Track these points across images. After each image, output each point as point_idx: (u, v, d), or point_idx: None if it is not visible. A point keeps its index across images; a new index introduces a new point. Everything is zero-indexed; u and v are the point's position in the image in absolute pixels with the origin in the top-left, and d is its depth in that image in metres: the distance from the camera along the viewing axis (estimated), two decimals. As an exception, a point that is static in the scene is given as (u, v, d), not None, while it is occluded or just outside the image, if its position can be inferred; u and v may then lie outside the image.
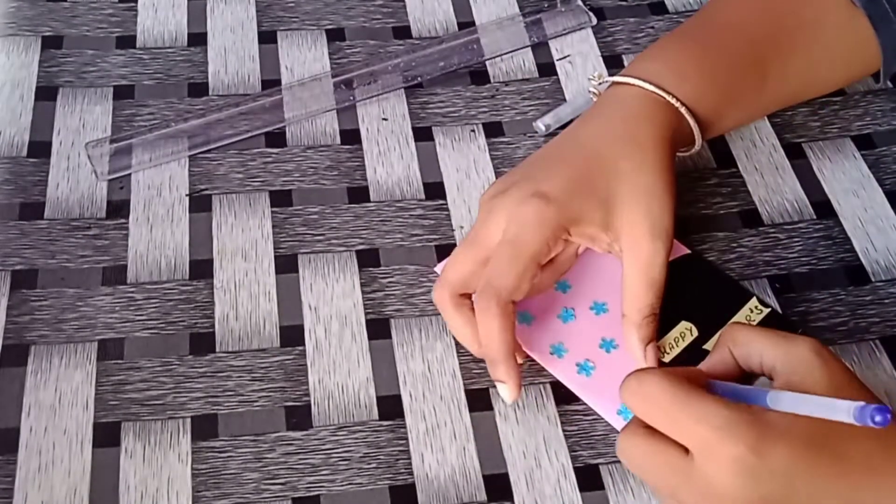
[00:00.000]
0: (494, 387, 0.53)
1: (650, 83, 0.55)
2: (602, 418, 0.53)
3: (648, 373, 0.43)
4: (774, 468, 0.40)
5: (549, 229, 0.51)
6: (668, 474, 0.43)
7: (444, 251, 0.58)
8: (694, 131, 0.56)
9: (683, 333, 0.54)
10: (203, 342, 0.55)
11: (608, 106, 0.56)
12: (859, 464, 0.41)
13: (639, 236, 0.51)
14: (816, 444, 0.41)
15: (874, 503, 0.42)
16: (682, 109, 0.55)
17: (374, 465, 0.51)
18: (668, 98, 0.55)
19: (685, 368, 0.46)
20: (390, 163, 0.63)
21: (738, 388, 0.43)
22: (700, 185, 0.63)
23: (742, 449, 0.40)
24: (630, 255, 0.51)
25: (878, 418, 0.34)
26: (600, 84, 0.62)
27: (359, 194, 0.61)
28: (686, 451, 0.42)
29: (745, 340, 0.45)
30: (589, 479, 0.51)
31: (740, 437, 0.40)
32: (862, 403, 0.35)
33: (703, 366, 0.46)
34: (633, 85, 0.55)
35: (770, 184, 0.63)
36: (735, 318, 0.54)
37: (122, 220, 0.59)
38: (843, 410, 0.36)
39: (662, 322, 0.53)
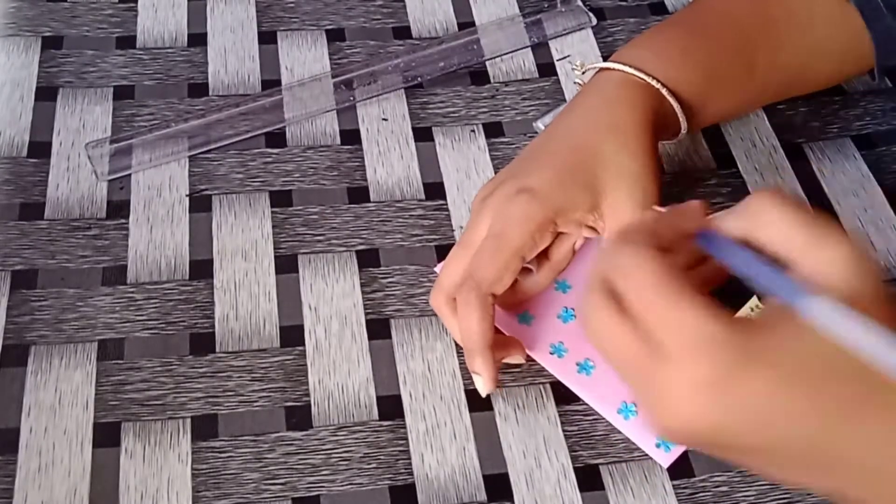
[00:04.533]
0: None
1: (632, 67, 0.55)
2: (602, 418, 0.53)
3: (643, 256, 0.39)
4: (744, 401, 0.37)
5: (534, 223, 0.51)
6: (629, 365, 0.39)
7: (444, 251, 0.58)
8: (678, 115, 0.56)
9: None
10: (203, 342, 0.55)
11: (591, 93, 0.56)
12: (834, 409, 0.38)
13: (621, 220, 0.51)
14: (794, 382, 0.37)
15: (844, 449, 0.38)
16: (664, 91, 0.55)
17: (374, 466, 0.51)
18: (650, 81, 0.55)
19: (682, 213, 0.43)
20: (390, 163, 0.63)
21: (764, 269, 0.39)
22: (700, 185, 0.63)
23: (710, 374, 0.36)
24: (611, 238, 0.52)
25: None
26: (584, 73, 0.62)
27: (359, 194, 0.61)
28: (656, 345, 0.38)
29: (775, 225, 0.40)
30: (589, 479, 0.51)
31: (714, 359, 0.36)
32: None
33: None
34: (616, 70, 0.56)
35: (770, 184, 0.63)
36: (736, 316, 0.54)
37: (122, 221, 0.59)
38: None
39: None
